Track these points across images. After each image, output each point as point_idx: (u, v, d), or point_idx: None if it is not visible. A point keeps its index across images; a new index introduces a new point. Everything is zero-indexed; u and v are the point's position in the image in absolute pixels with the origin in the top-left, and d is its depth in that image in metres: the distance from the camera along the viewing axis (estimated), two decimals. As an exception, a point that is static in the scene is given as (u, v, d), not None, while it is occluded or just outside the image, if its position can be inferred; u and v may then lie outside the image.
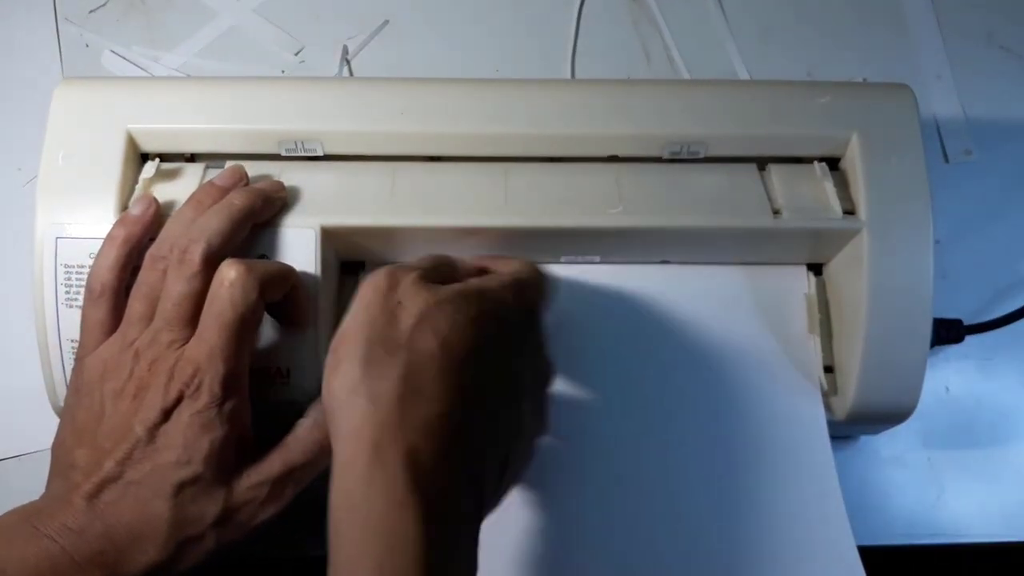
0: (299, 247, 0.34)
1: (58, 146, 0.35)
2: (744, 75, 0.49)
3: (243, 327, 0.30)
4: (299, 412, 0.35)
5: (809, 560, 0.33)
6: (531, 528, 0.34)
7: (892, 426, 0.38)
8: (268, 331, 0.34)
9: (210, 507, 0.29)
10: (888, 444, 0.41)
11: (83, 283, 0.34)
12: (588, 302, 0.38)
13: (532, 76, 0.48)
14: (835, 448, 0.36)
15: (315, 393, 0.34)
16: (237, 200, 0.32)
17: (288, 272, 0.32)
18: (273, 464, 0.30)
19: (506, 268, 0.32)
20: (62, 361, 0.34)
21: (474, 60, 0.49)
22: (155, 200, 0.33)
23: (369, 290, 0.28)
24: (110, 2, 0.50)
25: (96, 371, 0.31)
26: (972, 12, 0.51)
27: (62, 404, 0.35)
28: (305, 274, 0.33)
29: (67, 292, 0.34)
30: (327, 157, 0.37)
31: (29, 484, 0.39)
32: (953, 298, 0.43)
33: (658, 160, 0.37)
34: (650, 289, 0.38)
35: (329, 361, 0.28)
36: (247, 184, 0.35)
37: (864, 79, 0.49)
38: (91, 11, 0.50)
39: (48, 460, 0.35)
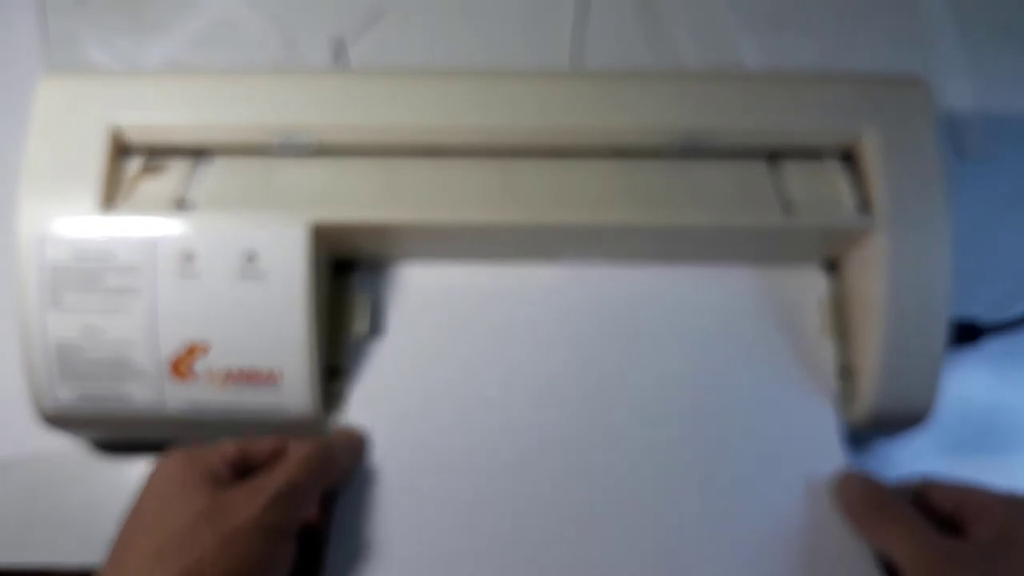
0: (289, 245, 0.33)
1: (42, 142, 0.34)
2: (753, 66, 0.48)
3: None
4: (291, 416, 0.34)
5: (826, 567, 0.33)
6: (528, 528, 0.33)
7: (908, 430, 0.37)
8: (261, 332, 0.33)
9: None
10: (903, 448, 0.40)
11: (67, 283, 0.33)
12: (589, 302, 0.37)
13: (533, 67, 0.47)
14: (850, 455, 0.35)
15: (305, 395, 0.34)
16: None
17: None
18: (275, 478, 0.30)
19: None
20: (47, 363, 0.34)
21: (472, 51, 0.48)
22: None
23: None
24: (98, -6, 0.49)
25: None
26: (989, 4, 0.50)
27: (47, 406, 0.34)
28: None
29: (52, 292, 0.33)
30: (319, 151, 0.36)
31: (11, 490, 0.39)
32: (969, 298, 0.42)
33: (664, 154, 0.36)
34: (655, 287, 0.37)
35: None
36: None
37: (878, 72, 0.48)
38: (76, 2, 0.49)
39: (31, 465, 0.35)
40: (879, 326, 0.33)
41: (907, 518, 0.31)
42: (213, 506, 0.29)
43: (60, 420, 0.35)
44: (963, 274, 0.43)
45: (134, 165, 0.35)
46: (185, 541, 0.28)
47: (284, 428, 0.35)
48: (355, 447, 0.34)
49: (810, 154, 0.36)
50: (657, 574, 0.32)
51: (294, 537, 0.30)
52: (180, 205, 0.34)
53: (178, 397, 0.34)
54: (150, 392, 0.34)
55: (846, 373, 0.36)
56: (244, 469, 0.31)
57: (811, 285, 0.37)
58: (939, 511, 0.32)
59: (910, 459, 0.40)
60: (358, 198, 0.35)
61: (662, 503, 0.34)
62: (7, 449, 0.39)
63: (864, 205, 0.35)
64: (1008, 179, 0.45)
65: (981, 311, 0.41)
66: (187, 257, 0.33)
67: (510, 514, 0.33)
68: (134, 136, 0.35)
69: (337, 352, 0.36)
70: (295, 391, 0.34)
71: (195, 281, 0.33)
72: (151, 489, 0.30)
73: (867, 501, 0.32)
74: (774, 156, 0.36)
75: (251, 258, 0.33)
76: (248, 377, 0.34)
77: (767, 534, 0.33)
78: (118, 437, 0.39)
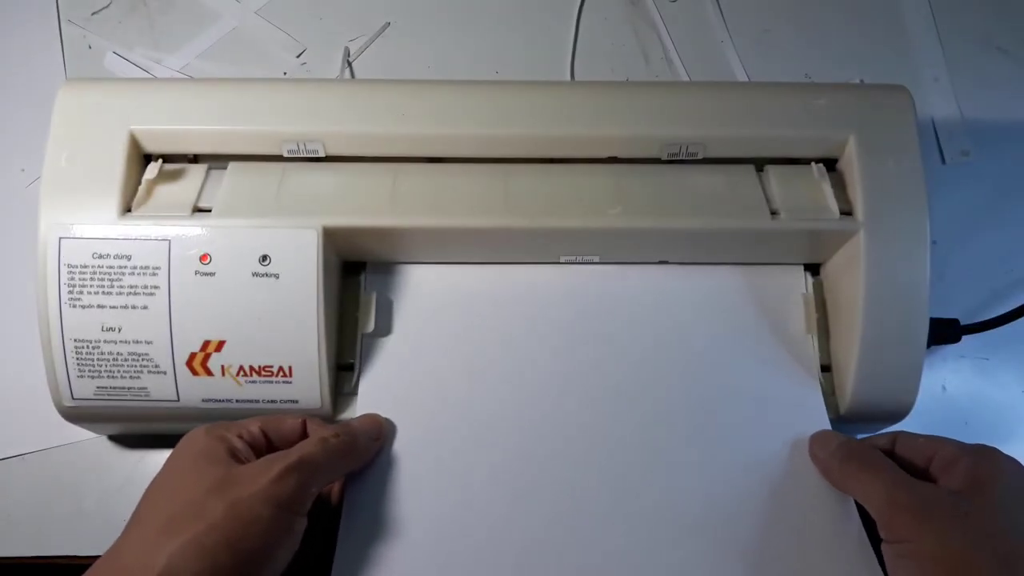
0: (301, 247, 0.34)
1: (61, 147, 0.35)
2: (742, 77, 0.49)
3: None
4: (303, 410, 0.35)
5: (820, 557, 0.33)
6: (533, 514, 0.34)
7: (890, 425, 0.38)
8: (274, 329, 0.34)
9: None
10: None
11: (86, 282, 0.34)
12: (587, 302, 0.38)
13: (532, 78, 0.48)
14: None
15: (317, 390, 0.35)
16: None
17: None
18: (289, 454, 0.31)
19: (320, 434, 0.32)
20: (65, 360, 0.34)
21: (474, 62, 0.49)
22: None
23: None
24: (113, 4, 0.50)
25: None
26: (969, 14, 0.51)
27: (66, 403, 0.35)
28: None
29: (70, 292, 0.34)
30: (329, 158, 0.37)
31: (31, 484, 0.39)
32: (950, 298, 0.43)
33: (657, 161, 0.37)
34: (648, 289, 0.38)
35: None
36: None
37: (861, 80, 0.49)
38: (94, 13, 0.50)
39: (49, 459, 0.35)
40: (860, 325, 0.34)
41: (879, 464, 0.31)
42: (224, 478, 0.29)
43: (78, 416, 0.36)
44: (945, 274, 0.44)
45: (151, 170, 0.36)
46: (194, 511, 0.28)
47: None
48: (378, 432, 0.34)
49: (797, 160, 0.37)
50: (651, 566, 0.33)
51: (305, 514, 0.30)
52: (195, 209, 0.35)
53: (194, 393, 0.35)
54: (166, 388, 0.35)
55: (829, 370, 0.37)
56: (266, 450, 0.32)
57: (797, 285, 0.38)
58: (909, 464, 0.32)
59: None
60: (366, 203, 0.36)
61: (654, 497, 0.34)
62: (27, 444, 0.40)
63: (848, 209, 0.36)
64: (989, 182, 0.47)
65: (962, 310, 0.42)
66: (202, 258, 0.34)
67: (515, 500, 0.34)
68: (151, 142, 0.36)
69: (346, 349, 0.37)
70: (307, 386, 0.35)
71: (210, 281, 0.34)
72: (171, 464, 0.31)
73: (839, 451, 0.33)
74: (763, 162, 0.38)
75: (264, 259, 0.34)
76: (261, 373, 0.35)
77: (758, 523, 0.34)
78: (135, 432, 0.40)
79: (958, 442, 0.32)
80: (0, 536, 0.38)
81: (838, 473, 0.33)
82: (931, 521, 0.29)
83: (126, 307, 0.34)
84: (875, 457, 0.32)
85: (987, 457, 0.31)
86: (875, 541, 0.32)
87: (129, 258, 0.34)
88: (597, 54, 0.50)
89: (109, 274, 0.34)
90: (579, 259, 0.38)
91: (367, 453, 0.34)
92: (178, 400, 0.35)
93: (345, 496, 0.34)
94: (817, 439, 0.35)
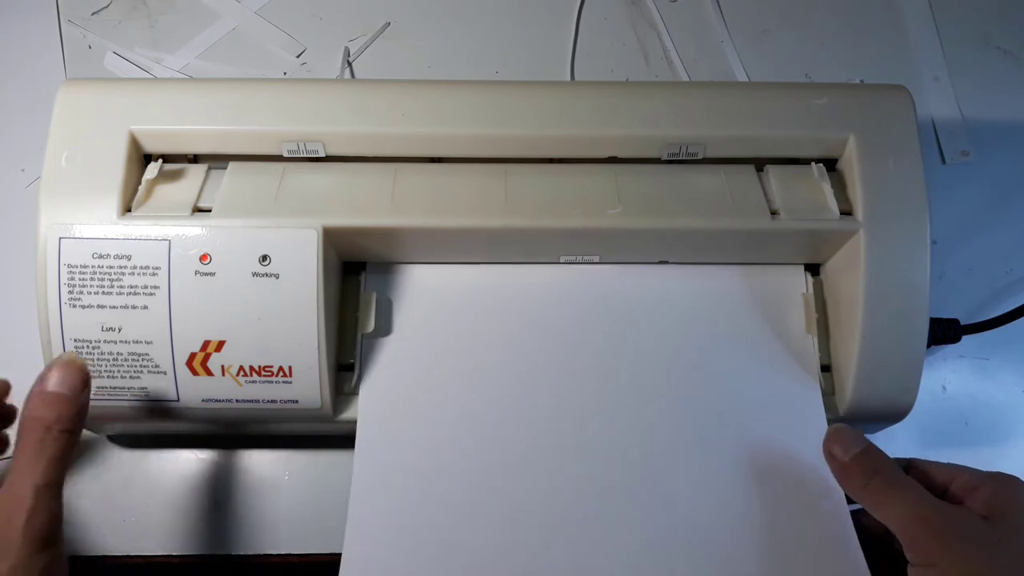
0: (301, 247, 0.34)
1: (61, 147, 0.35)
2: (742, 77, 0.49)
3: None
4: (303, 410, 0.35)
5: (812, 558, 0.33)
6: (521, 525, 0.34)
7: (889, 425, 0.38)
8: (274, 329, 0.34)
9: None
10: (885, 443, 0.40)
11: (86, 282, 0.34)
12: (587, 302, 0.38)
13: (532, 78, 0.48)
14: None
15: (317, 390, 0.35)
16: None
17: None
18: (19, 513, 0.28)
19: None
20: (65, 360, 0.34)
21: (475, 62, 0.49)
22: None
23: None
24: (113, 4, 0.50)
25: None
26: (969, 14, 0.51)
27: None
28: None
29: (70, 292, 0.34)
30: (329, 158, 0.37)
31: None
32: (950, 298, 0.44)
33: (657, 161, 0.37)
34: (648, 289, 0.38)
35: None
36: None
37: (861, 81, 0.49)
38: (94, 13, 0.50)
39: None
40: (860, 325, 0.35)
41: (904, 483, 0.31)
42: None
43: (78, 415, 0.36)
44: (945, 274, 0.44)
45: (151, 170, 0.36)
46: None
47: (297, 421, 0.36)
48: (85, 380, 0.31)
49: (797, 160, 0.37)
50: (650, 565, 0.33)
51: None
52: (195, 209, 0.35)
53: (194, 393, 0.35)
54: (166, 388, 0.35)
55: (829, 370, 0.37)
56: None
57: (797, 285, 0.39)
58: (928, 488, 0.31)
59: (890, 452, 0.41)
60: (366, 203, 0.36)
61: (653, 497, 0.34)
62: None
63: (848, 209, 0.36)
64: (989, 182, 0.47)
65: (962, 310, 0.43)
66: (202, 258, 0.34)
67: (516, 498, 0.34)
68: (151, 142, 0.36)
69: (346, 349, 0.37)
70: (307, 386, 0.35)
71: (210, 281, 0.34)
72: None
73: (862, 461, 0.32)
74: (763, 162, 0.38)
75: (264, 259, 0.34)
76: (261, 373, 0.35)
77: (752, 525, 0.34)
78: (135, 432, 0.40)
79: (975, 469, 0.32)
80: None
81: (859, 486, 0.32)
82: (959, 545, 0.28)
83: (126, 307, 0.34)
84: (900, 475, 0.31)
85: (1009, 485, 0.31)
86: (867, 550, 0.33)
87: (129, 258, 0.34)
88: (597, 54, 0.50)
89: (109, 274, 0.34)
90: (579, 259, 0.38)
91: (82, 418, 0.30)
92: (178, 400, 0.35)
93: (350, 494, 0.34)
94: (837, 437, 0.33)
